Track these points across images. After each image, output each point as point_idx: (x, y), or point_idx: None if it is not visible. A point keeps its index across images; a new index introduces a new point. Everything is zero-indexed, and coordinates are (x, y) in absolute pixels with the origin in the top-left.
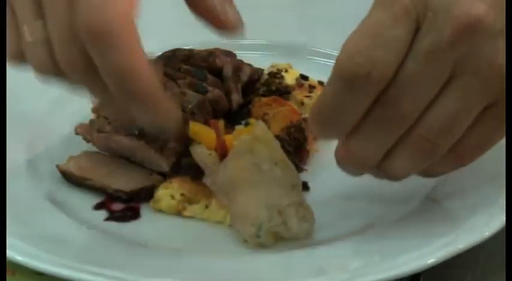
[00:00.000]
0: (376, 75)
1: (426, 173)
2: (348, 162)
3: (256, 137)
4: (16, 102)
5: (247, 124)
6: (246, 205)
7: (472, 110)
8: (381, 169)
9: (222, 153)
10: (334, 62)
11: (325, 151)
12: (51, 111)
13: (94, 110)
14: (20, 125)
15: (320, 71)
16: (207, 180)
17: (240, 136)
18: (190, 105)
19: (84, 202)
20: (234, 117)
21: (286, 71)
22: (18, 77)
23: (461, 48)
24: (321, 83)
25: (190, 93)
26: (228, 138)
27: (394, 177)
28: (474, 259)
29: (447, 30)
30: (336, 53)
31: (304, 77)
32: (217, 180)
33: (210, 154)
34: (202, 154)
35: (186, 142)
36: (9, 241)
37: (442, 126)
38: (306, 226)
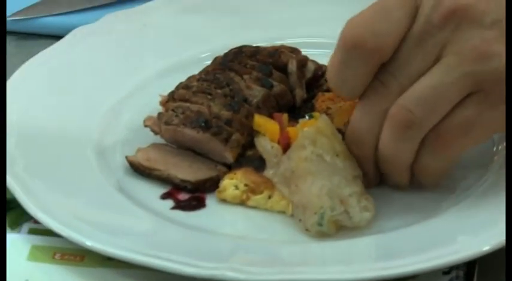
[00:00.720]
0: (373, 45)
1: (420, 173)
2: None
3: (319, 129)
4: (86, 96)
5: (311, 117)
6: (308, 195)
7: (451, 88)
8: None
9: (285, 145)
10: None
11: None
12: (121, 104)
13: (162, 103)
14: (90, 118)
15: None
16: (268, 172)
17: (303, 128)
18: (255, 100)
19: (151, 192)
20: (298, 111)
21: None
22: (89, 69)
23: (447, 32)
24: None
25: (256, 87)
26: (291, 130)
27: (384, 160)
28: None
29: (436, 15)
30: None
31: None
32: (279, 172)
33: (272, 147)
34: (265, 145)
35: (250, 134)
36: (79, 226)
37: (420, 95)
38: (367, 215)
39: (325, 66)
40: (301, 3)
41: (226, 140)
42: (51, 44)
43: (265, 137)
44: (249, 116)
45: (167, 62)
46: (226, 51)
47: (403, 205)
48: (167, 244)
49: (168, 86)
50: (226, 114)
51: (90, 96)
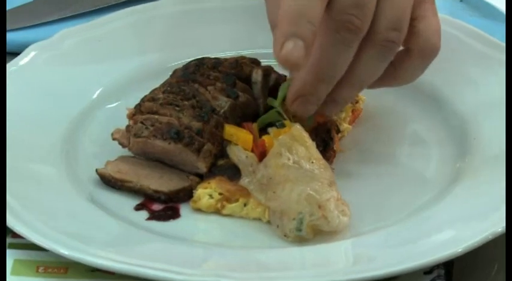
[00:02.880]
0: None
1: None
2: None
3: (294, 137)
4: (48, 111)
5: (281, 126)
6: (287, 201)
7: None
8: None
9: (261, 153)
10: None
11: (350, 151)
12: (83, 118)
13: (129, 116)
14: (54, 133)
15: None
16: (244, 180)
17: (277, 136)
18: (222, 110)
19: (124, 204)
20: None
21: None
22: (55, 80)
23: None
24: None
25: (222, 98)
26: (266, 139)
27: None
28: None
29: None
30: None
31: None
32: (255, 179)
33: (247, 156)
34: (240, 155)
35: (221, 143)
36: (61, 238)
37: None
38: (345, 219)
39: (284, 75)
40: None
41: (198, 151)
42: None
43: (238, 146)
44: (219, 126)
45: (124, 75)
46: (183, 62)
47: (376, 208)
48: (150, 253)
49: (126, 99)
50: (196, 124)
51: (51, 111)
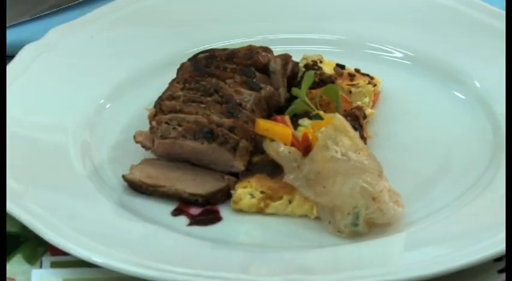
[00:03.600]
0: None
1: None
2: None
3: (337, 128)
4: (55, 115)
5: (317, 117)
6: (339, 195)
7: None
8: None
9: (306, 147)
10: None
11: (378, 136)
12: (92, 121)
13: (150, 117)
14: (66, 139)
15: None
16: (289, 177)
17: (319, 129)
18: (248, 104)
19: (159, 210)
20: (282, 111)
21: (320, 62)
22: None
23: None
24: (357, 70)
25: (245, 91)
26: (308, 132)
27: None
28: None
29: None
30: None
31: (340, 66)
32: (300, 175)
33: (289, 152)
34: (282, 151)
35: (254, 139)
36: (113, 254)
37: None
38: (399, 210)
39: (297, 62)
40: None
41: (234, 149)
42: None
43: (277, 141)
44: (248, 121)
45: (123, 72)
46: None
47: (420, 194)
48: (201, 261)
49: (130, 97)
50: (227, 121)
51: (65, 118)
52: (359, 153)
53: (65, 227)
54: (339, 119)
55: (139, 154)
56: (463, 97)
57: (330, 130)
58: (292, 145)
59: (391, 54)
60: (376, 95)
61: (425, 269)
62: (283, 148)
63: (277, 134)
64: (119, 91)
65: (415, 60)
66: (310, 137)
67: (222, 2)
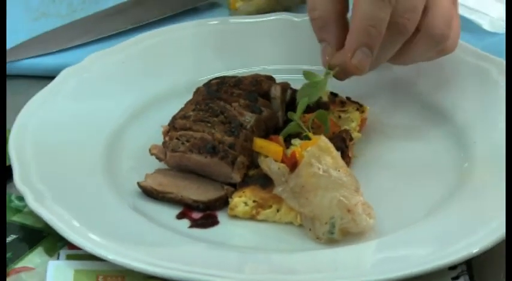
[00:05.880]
0: None
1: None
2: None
3: (320, 148)
4: (88, 131)
5: (306, 138)
6: (319, 206)
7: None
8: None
9: (293, 164)
10: None
11: (363, 157)
12: (118, 137)
13: (164, 133)
14: (94, 151)
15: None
16: (277, 189)
17: (306, 148)
18: (249, 124)
19: (165, 213)
20: (279, 132)
21: None
22: (85, 105)
23: None
24: (348, 98)
25: (247, 113)
26: (296, 150)
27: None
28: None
29: None
30: None
31: (334, 94)
32: (287, 188)
33: (279, 167)
34: (273, 166)
35: (251, 155)
36: (120, 250)
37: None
38: (371, 221)
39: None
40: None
41: (232, 163)
42: (41, 84)
43: (269, 158)
44: (248, 140)
45: (147, 94)
46: (203, 80)
47: (394, 208)
48: (200, 259)
49: (150, 118)
50: (228, 139)
51: (91, 131)
52: (339, 170)
53: (82, 226)
54: (323, 140)
55: (154, 164)
56: (442, 126)
57: (315, 150)
58: (282, 161)
59: (380, 84)
60: (363, 120)
61: (391, 272)
62: (274, 164)
63: (270, 151)
64: (141, 110)
65: (403, 92)
66: (298, 156)
67: (237, 37)
